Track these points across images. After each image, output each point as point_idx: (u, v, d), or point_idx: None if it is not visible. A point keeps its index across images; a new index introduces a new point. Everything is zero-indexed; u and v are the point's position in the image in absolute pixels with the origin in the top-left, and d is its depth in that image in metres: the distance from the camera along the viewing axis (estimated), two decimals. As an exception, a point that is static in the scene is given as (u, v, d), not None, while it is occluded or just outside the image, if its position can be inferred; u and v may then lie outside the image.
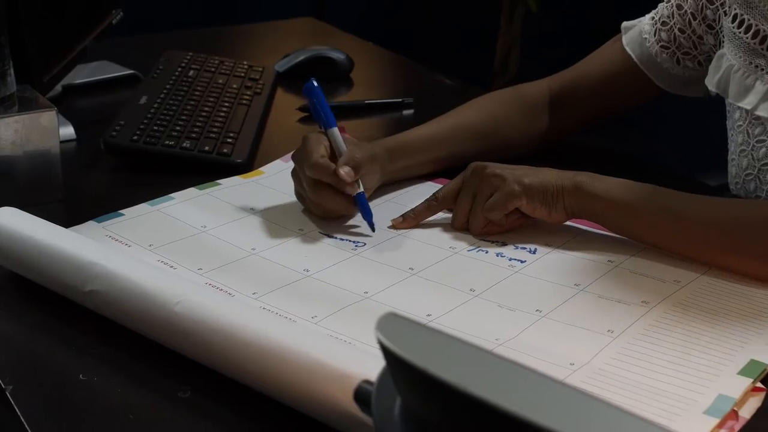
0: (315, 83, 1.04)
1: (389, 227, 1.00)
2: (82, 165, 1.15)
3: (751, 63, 1.02)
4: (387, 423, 0.48)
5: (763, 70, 1.01)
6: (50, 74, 1.17)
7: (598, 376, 0.76)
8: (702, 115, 1.30)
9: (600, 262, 0.94)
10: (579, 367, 0.77)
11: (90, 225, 0.96)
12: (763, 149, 1.03)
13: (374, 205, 1.05)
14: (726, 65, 1.05)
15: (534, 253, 0.96)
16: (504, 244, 0.97)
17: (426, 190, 1.07)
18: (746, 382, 0.75)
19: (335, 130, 1.01)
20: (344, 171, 0.96)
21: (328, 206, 0.99)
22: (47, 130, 1.02)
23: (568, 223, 1.01)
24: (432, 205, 1.01)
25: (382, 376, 0.50)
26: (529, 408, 0.41)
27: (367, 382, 0.56)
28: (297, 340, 0.70)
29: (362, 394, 0.57)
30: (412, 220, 1.00)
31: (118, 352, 0.79)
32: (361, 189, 0.99)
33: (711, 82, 1.07)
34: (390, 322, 0.46)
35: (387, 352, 0.45)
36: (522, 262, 0.94)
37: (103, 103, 1.34)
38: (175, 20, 2.38)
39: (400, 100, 1.38)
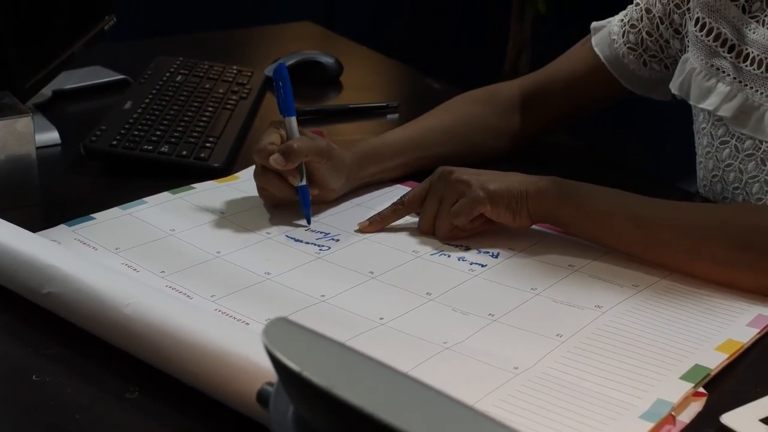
0: (285, 69, 1.05)
1: (356, 231, 1.01)
2: (63, 169, 1.18)
3: (712, 65, 1.03)
4: (281, 426, 0.49)
5: (723, 72, 1.02)
6: (33, 80, 1.19)
7: (540, 380, 0.77)
8: (684, 118, 1.29)
9: (560, 266, 0.94)
10: (522, 370, 0.78)
11: (60, 229, 0.98)
12: (726, 150, 1.04)
13: (343, 208, 1.06)
14: (689, 68, 1.06)
15: (496, 257, 0.96)
16: (468, 249, 0.98)
17: (395, 193, 1.08)
18: (687, 386, 0.76)
19: (293, 119, 1.04)
20: (273, 158, 0.99)
21: (270, 191, 1.02)
22: (23, 136, 1.04)
23: (535, 227, 1.02)
24: (398, 209, 1.02)
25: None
26: (399, 415, 0.42)
27: (270, 383, 0.57)
28: (237, 342, 0.72)
29: (263, 396, 0.58)
30: (378, 223, 1.02)
31: (73, 353, 0.80)
32: (304, 182, 1.01)
33: (674, 86, 1.09)
34: (278, 328, 0.47)
35: (271, 356, 0.46)
36: (483, 266, 0.95)
37: (91, 108, 1.36)
38: (185, 24, 2.41)
39: (385, 104, 1.39)
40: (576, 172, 1.00)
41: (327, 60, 1.49)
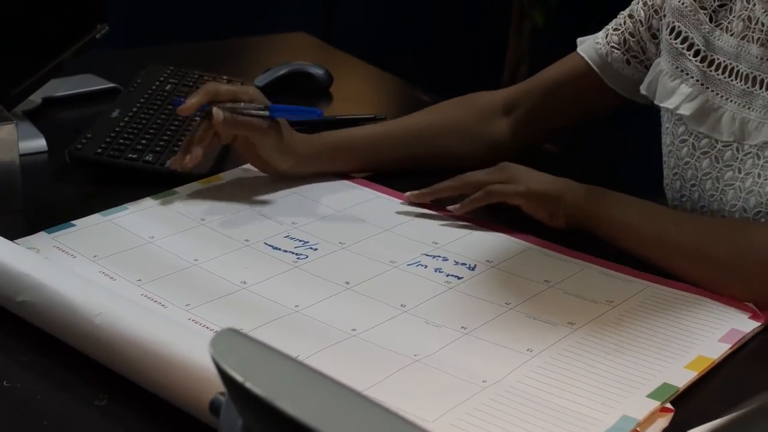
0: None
1: (402, 203, 1.10)
2: (48, 177, 1.18)
3: (677, 67, 1.07)
4: (229, 436, 0.49)
5: (688, 74, 1.07)
6: (20, 87, 1.20)
7: (508, 394, 0.77)
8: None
9: (536, 281, 0.94)
10: (490, 384, 0.78)
11: (40, 236, 0.99)
12: (685, 148, 1.08)
13: (282, 195, 1.11)
14: (658, 70, 1.10)
15: (473, 269, 0.97)
16: (445, 259, 0.98)
17: (338, 186, 1.14)
18: (653, 404, 0.76)
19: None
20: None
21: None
22: (6, 143, 1.05)
23: (512, 239, 1.03)
24: (453, 185, 1.09)
25: (232, 389, 0.52)
26: (339, 427, 0.42)
27: (222, 393, 0.58)
28: (202, 352, 0.72)
29: (215, 406, 0.59)
30: (428, 195, 1.09)
31: (46, 360, 0.81)
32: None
33: (644, 86, 1.12)
34: (226, 339, 0.48)
35: (217, 367, 0.47)
36: (459, 278, 0.95)
37: (81, 115, 1.36)
38: (183, 33, 2.42)
39: (373, 115, 1.39)
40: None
41: (317, 71, 1.50)
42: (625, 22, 1.15)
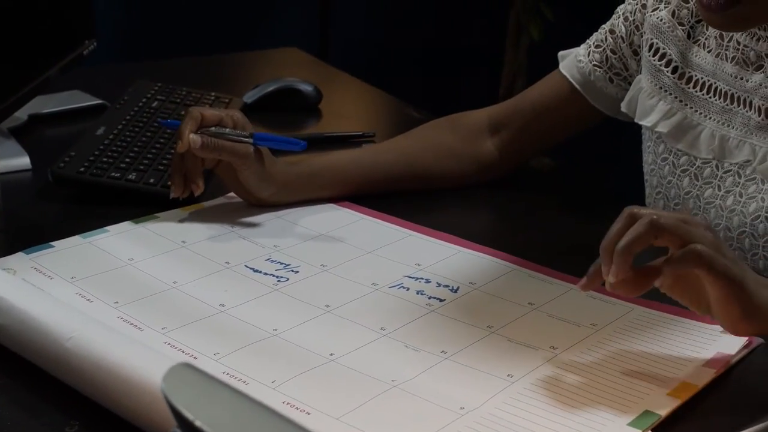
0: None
1: (578, 287, 0.83)
2: (31, 195, 1.17)
3: (656, 84, 1.07)
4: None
5: (666, 91, 1.06)
6: (4, 105, 1.19)
7: (486, 421, 0.75)
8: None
9: (519, 304, 0.93)
10: (468, 411, 0.76)
11: (18, 257, 0.97)
12: (667, 167, 1.07)
13: (264, 218, 1.09)
14: (637, 87, 1.10)
15: (455, 291, 0.95)
16: (428, 281, 0.97)
17: (321, 209, 1.12)
18: (633, 433, 0.74)
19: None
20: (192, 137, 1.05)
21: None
22: (-15, 162, 1.04)
23: (497, 261, 1.01)
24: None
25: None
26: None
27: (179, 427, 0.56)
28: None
29: (173, 441, 0.57)
30: (597, 277, 0.81)
31: (18, 384, 0.80)
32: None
33: (624, 104, 1.12)
34: (178, 374, 0.47)
35: (168, 403, 0.45)
36: (441, 300, 0.94)
37: (67, 132, 1.36)
38: (177, 49, 2.41)
39: (361, 132, 1.38)
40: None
41: (306, 87, 1.49)
42: (606, 39, 1.14)
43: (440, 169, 1.19)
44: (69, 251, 1.00)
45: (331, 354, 0.84)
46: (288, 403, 0.76)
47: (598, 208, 1.18)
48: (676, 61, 1.05)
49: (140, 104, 1.37)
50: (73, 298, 0.90)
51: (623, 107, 1.12)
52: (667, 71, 1.06)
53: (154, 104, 1.38)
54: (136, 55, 2.51)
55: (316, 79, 1.54)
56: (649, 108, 1.08)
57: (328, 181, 1.14)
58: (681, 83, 1.05)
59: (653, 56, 1.07)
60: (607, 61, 1.14)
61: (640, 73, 1.10)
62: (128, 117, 1.31)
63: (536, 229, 1.14)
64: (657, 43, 1.07)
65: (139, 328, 0.86)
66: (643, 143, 1.12)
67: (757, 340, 0.87)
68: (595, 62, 1.14)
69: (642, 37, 1.10)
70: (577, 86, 1.15)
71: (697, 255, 0.76)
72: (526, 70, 2.81)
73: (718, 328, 0.88)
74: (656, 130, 1.07)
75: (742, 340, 0.86)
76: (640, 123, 1.09)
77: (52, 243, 1.01)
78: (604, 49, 1.14)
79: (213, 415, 0.44)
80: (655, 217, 0.77)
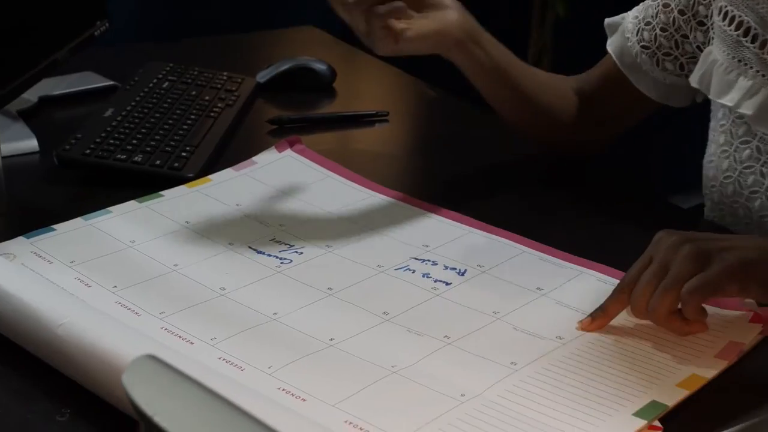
0: None
1: (576, 328, 0.83)
2: (37, 178, 1.16)
3: (734, 57, 0.97)
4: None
5: (746, 64, 0.96)
6: (10, 86, 1.17)
7: (487, 408, 0.73)
8: (678, 133, 1.25)
9: (528, 289, 0.90)
10: (469, 398, 0.74)
11: (18, 241, 0.96)
12: (747, 151, 0.98)
13: (271, 195, 1.06)
14: (710, 60, 1.00)
15: (462, 274, 0.93)
16: (435, 263, 0.95)
17: (330, 186, 1.08)
18: (640, 423, 0.71)
19: None
20: None
21: None
22: (-13, 145, 1.03)
23: (508, 243, 0.98)
24: (621, 297, 0.82)
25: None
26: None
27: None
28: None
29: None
30: (603, 319, 0.82)
31: (10, 370, 0.78)
32: None
33: (694, 79, 1.03)
34: (142, 367, 0.45)
35: (129, 397, 0.43)
36: (447, 284, 0.91)
37: (78, 114, 1.34)
38: (195, 28, 2.40)
39: (375, 111, 1.36)
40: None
41: (319, 66, 1.46)
42: (658, 14, 1.06)
43: (550, 111, 1.15)
44: (70, 234, 0.98)
45: (331, 339, 0.82)
46: (283, 390, 0.74)
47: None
48: (755, 29, 0.95)
49: (150, 85, 1.35)
50: (71, 283, 0.88)
51: (695, 83, 1.02)
52: (746, 41, 0.95)
53: (165, 85, 1.36)
54: (153, 35, 2.49)
55: (332, 58, 1.51)
56: (727, 84, 0.98)
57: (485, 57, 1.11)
58: (762, 53, 0.95)
59: (728, 26, 0.97)
60: (656, 40, 1.06)
61: (709, 45, 1.01)
62: (138, 98, 1.30)
63: (562, 221, 1.09)
64: (732, 11, 0.96)
65: (136, 313, 0.85)
66: (714, 121, 1.03)
67: (773, 326, 0.84)
68: (643, 43, 1.07)
69: (711, 5, 1.00)
70: (623, 70, 1.09)
71: (687, 299, 0.77)
72: (552, 48, 2.76)
73: (731, 308, 0.84)
74: (739, 110, 0.96)
75: (755, 329, 0.83)
76: (720, 101, 0.99)
77: (54, 226, 0.99)
78: (654, 26, 1.06)
79: (173, 411, 0.42)
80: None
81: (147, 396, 0.42)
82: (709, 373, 0.78)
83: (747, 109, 0.96)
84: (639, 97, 1.11)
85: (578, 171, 1.22)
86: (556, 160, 1.22)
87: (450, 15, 1.07)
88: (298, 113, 1.35)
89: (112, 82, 1.43)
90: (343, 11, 1.02)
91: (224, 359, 0.78)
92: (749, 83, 0.96)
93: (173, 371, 0.44)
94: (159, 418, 0.41)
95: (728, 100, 0.98)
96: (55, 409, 0.74)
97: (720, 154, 1.02)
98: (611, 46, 1.12)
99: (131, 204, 1.04)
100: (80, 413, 0.73)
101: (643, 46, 1.08)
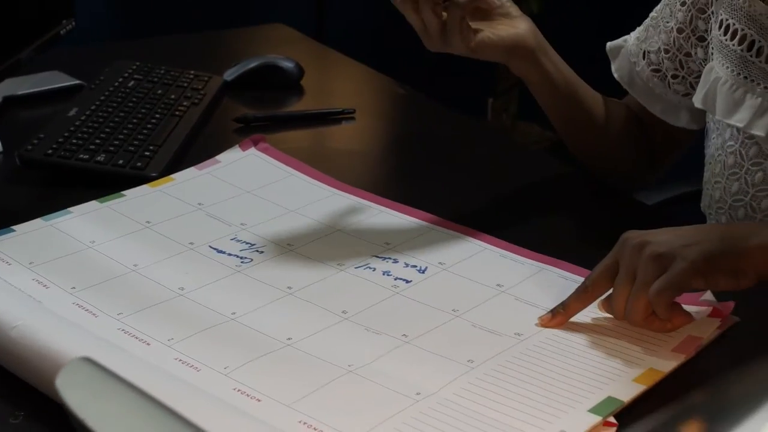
0: None
1: (536, 324, 0.83)
2: (0, 179, 1.15)
3: (739, 74, 0.93)
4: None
5: (753, 81, 0.92)
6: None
7: (442, 407, 0.73)
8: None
9: (488, 286, 0.90)
10: (425, 396, 0.74)
11: (-23, 242, 0.96)
12: (760, 173, 0.93)
13: (233, 194, 1.05)
14: (713, 78, 0.96)
15: (423, 272, 0.93)
16: (396, 261, 0.95)
17: (293, 184, 1.08)
18: (594, 419, 0.72)
19: None
20: None
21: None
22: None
23: (470, 240, 0.98)
24: (582, 296, 0.83)
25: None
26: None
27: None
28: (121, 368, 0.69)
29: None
30: (563, 316, 0.83)
31: (-35, 374, 0.78)
32: None
33: (698, 99, 0.98)
34: (76, 370, 0.44)
35: (62, 400, 0.43)
36: (407, 282, 0.91)
37: (42, 114, 1.33)
38: (165, 25, 2.39)
39: (341, 109, 1.35)
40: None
41: (287, 64, 1.46)
42: (660, 33, 1.04)
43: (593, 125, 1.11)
44: (29, 235, 0.97)
45: (289, 338, 0.82)
46: (239, 390, 0.74)
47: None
48: (760, 41, 0.91)
49: (116, 84, 1.34)
50: (29, 285, 0.88)
51: (698, 103, 0.98)
52: (751, 55, 0.91)
53: (131, 84, 1.35)
54: (121, 34, 2.48)
55: (301, 56, 1.51)
56: (734, 104, 0.93)
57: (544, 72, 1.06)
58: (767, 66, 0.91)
59: (730, 39, 0.93)
60: (662, 63, 1.03)
61: (709, 61, 0.97)
62: (103, 97, 1.29)
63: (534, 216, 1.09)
64: (734, 24, 0.93)
65: (94, 315, 0.84)
66: (719, 140, 0.98)
67: (731, 320, 0.84)
68: (653, 66, 1.05)
69: (710, 19, 0.97)
70: (632, 94, 1.08)
71: (655, 300, 0.78)
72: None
73: (691, 304, 0.85)
74: (751, 132, 0.91)
75: (714, 323, 0.83)
76: (729, 122, 0.94)
77: (13, 227, 0.98)
78: (658, 49, 1.04)
79: (105, 414, 0.41)
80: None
81: (79, 399, 0.42)
82: (667, 366, 0.78)
83: (759, 129, 0.92)
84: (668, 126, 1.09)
85: (543, 168, 1.22)
86: (519, 157, 1.22)
87: (522, 25, 1.03)
88: (265, 111, 1.34)
89: (78, 82, 1.42)
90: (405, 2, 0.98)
91: (180, 360, 0.78)
92: (758, 101, 0.92)
93: (108, 374, 0.44)
94: (91, 422, 0.40)
95: (737, 120, 0.93)
96: (9, 411, 0.73)
97: (729, 176, 0.97)
98: (617, 72, 1.10)
99: (92, 204, 1.04)
100: (34, 416, 0.73)
101: (653, 70, 1.06)
